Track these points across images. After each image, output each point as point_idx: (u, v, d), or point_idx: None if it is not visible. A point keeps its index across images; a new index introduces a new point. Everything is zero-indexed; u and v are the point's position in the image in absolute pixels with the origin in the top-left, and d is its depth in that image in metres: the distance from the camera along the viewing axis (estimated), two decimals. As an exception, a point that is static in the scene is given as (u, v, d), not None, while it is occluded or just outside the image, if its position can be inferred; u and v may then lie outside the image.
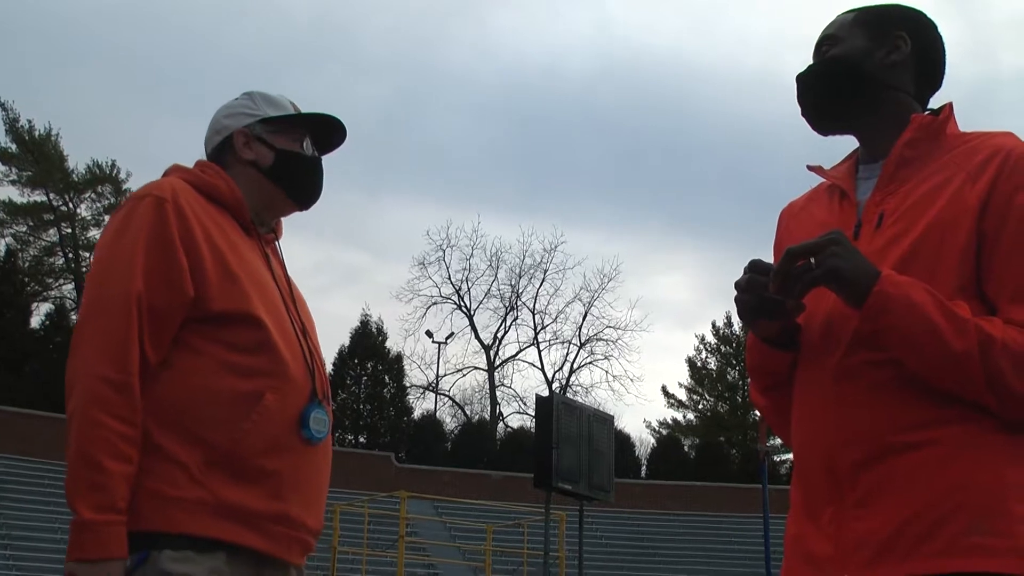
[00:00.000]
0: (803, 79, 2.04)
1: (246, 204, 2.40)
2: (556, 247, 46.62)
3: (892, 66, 1.98)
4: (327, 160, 2.61)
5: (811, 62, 2.06)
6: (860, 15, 2.04)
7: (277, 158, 2.46)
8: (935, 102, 2.06)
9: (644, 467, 40.75)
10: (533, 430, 19.76)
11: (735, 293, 1.87)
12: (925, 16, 2.05)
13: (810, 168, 2.07)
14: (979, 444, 1.70)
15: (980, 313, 1.74)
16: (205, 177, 2.38)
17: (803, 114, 2.05)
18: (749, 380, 2.11)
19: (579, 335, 44.53)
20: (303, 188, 2.53)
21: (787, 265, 1.77)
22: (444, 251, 44.46)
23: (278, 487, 2.18)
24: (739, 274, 1.83)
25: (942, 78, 2.06)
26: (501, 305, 44.81)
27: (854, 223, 1.90)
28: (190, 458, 2.13)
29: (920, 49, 2.01)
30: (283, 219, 2.60)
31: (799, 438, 1.89)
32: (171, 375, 2.18)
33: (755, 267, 1.84)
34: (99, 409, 2.05)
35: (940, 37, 2.05)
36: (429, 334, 43.22)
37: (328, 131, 2.58)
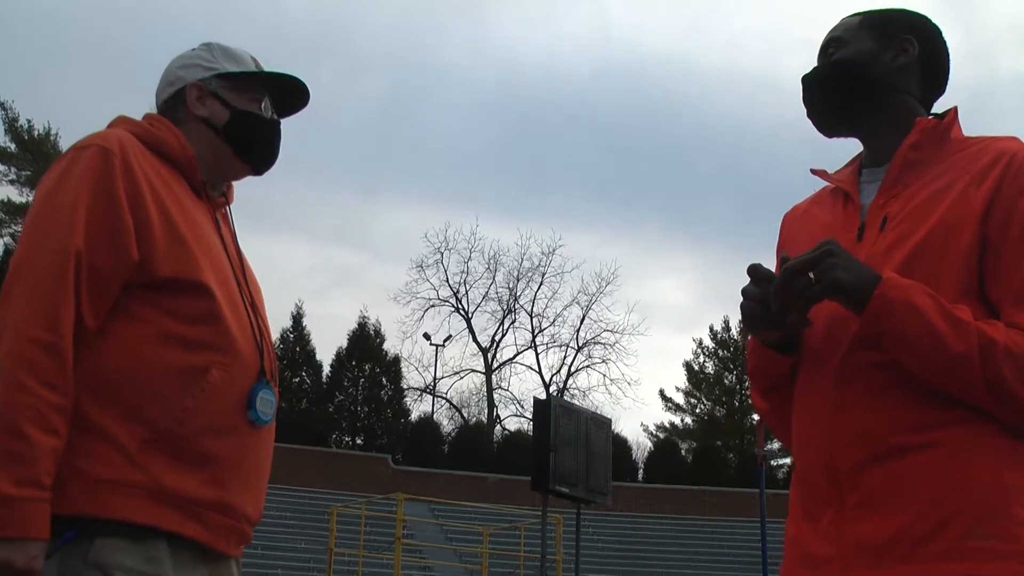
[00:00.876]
0: (809, 81, 2.04)
1: (197, 163, 2.23)
2: (554, 250, 46.55)
3: (899, 69, 1.99)
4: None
5: (815, 64, 2.06)
6: (867, 18, 2.05)
7: (232, 117, 2.30)
8: (939, 107, 2.06)
9: (641, 471, 40.72)
10: (530, 433, 19.77)
11: (742, 300, 1.88)
12: (931, 21, 2.06)
13: (813, 172, 2.07)
14: (980, 447, 1.70)
15: (983, 316, 1.74)
16: (154, 131, 2.21)
17: (809, 116, 2.05)
18: (750, 383, 2.10)
19: (577, 338, 44.65)
20: (258, 151, 2.36)
21: (787, 282, 1.77)
22: (442, 253, 44.74)
23: (219, 472, 2.03)
24: (737, 278, 1.84)
25: (946, 83, 2.07)
26: (499, 308, 44.93)
27: (858, 225, 1.91)
28: (128, 437, 1.95)
29: (926, 54, 2.02)
30: (235, 184, 2.43)
31: (799, 440, 1.89)
32: (110, 345, 2.00)
33: (756, 275, 1.84)
34: (26, 373, 1.86)
35: (945, 42, 2.06)
36: (427, 336, 43.27)
37: (290, 93, 2.41)
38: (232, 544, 2.10)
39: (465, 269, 45.09)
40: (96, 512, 1.91)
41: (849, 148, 2.10)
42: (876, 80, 1.98)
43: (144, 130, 2.20)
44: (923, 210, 1.82)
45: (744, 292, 1.86)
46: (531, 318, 45.08)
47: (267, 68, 2.40)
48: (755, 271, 1.84)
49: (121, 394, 1.98)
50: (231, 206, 2.41)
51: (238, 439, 2.08)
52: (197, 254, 2.08)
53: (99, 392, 1.97)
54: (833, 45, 2.04)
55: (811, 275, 1.76)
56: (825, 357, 1.83)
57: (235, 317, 2.12)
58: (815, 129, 2.07)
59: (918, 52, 2.01)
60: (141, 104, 2.40)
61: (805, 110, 2.05)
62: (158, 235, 2.04)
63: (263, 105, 2.35)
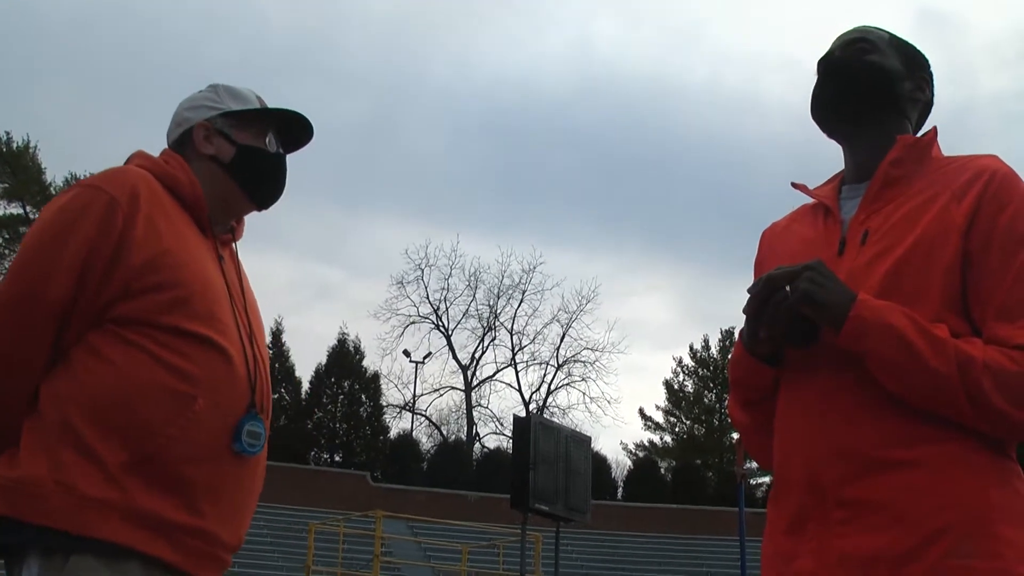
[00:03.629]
0: (837, 68, 2.03)
1: (205, 202, 2.30)
2: (535, 268, 46.49)
3: (914, 102, 2.03)
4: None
5: (835, 53, 2.05)
6: (895, 40, 2.07)
7: (238, 153, 2.37)
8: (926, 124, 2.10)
9: (621, 489, 40.72)
10: (510, 451, 19.73)
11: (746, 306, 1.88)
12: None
13: (794, 186, 2.07)
14: (965, 463, 1.71)
15: (965, 331, 1.75)
16: (168, 168, 2.29)
17: (819, 102, 2.04)
18: (730, 395, 2.09)
19: (557, 356, 44.59)
20: (262, 186, 2.42)
21: (765, 292, 1.78)
22: (423, 270, 44.48)
23: (197, 499, 2.08)
24: (717, 297, 1.85)
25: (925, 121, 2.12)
26: (479, 325, 44.83)
27: (838, 240, 1.91)
28: (111, 458, 2.01)
29: (931, 99, 2.08)
30: (246, 219, 2.49)
31: (781, 454, 1.88)
32: (106, 368, 2.07)
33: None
34: None
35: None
36: (407, 353, 43.12)
37: (294, 128, 2.48)
38: (206, 569, 2.12)
39: (446, 286, 44.94)
40: (73, 529, 1.95)
41: (829, 167, 2.11)
42: (895, 100, 2.00)
43: (159, 167, 2.29)
44: (905, 224, 1.83)
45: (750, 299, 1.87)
46: (511, 336, 45.07)
47: (271, 104, 2.46)
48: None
49: (110, 417, 2.04)
50: (238, 241, 2.48)
51: (220, 468, 2.13)
52: (192, 289, 2.15)
53: (90, 412, 2.04)
54: (863, 43, 2.03)
55: (788, 288, 1.76)
56: (811, 372, 1.83)
57: (230, 349, 2.18)
58: (816, 118, 2.05)
59: (930, 92, 2.06)
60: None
61: (816, 93, 2.04)
62: (156, 272, 2.12)
63: (268, 140, 2.42)
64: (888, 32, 2.08)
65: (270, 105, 2.46)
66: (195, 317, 2.14)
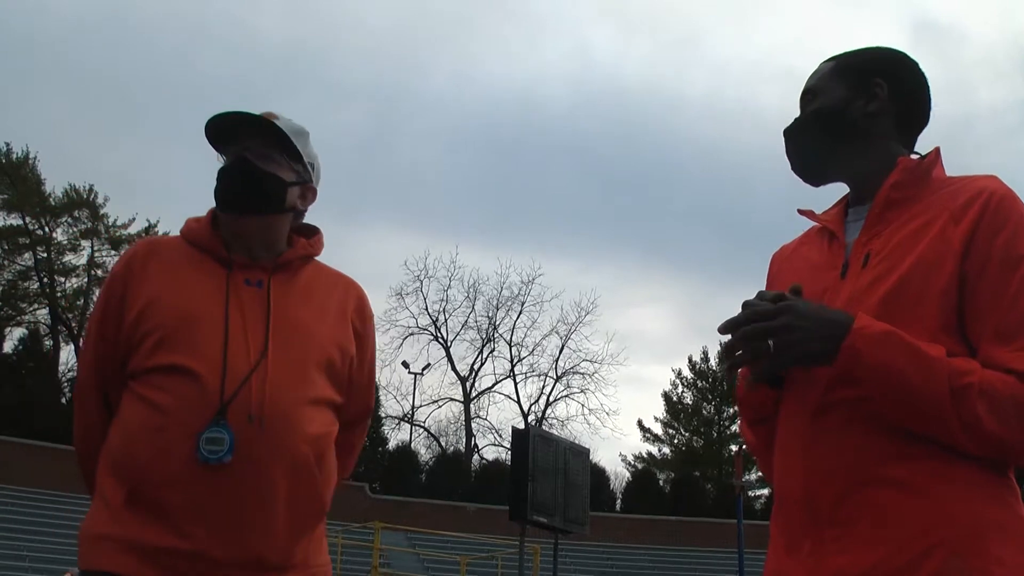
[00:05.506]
0: (790, 133, 2.06)
1: (215, 240, 2.43)
2: (534, 279, 46.50)
3: (872, 116, 2.00)
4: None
5: (796, 117, 2.08)
6: (839, 64, 2.06)
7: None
8: (922, 141, 2.08)
9: (619, 501, 40.64)
10: (508, 462, 19.69)
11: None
12: (904, 56, 2.07)
13: (801, 212, 2.09)
14: (959, 481, 1.71)
15: (962, 353, 1.75)
16: (190, 223, 2.49)
17: (793, 168, 2.08)
18: (739, 413, 2.11)
19: (555, 368, 44.49)
20: (222, 196, 2.45)
21: (740, 326, 1.79)
22: (422, 281, 44.41)
23: (181, 521, 2.17)
24: (716, 309, 1.86)
25: (927, 115, 2.07)
26: (478, 337, 44.71)
27: (842, 263, 1.92)
28: (114, 497, 2.22)
29: (898, 92, 2.02)
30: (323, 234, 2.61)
31: (779, 473, 1.89)
32: (117, 422, 2.33)
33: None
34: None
35: (921, 74, 2.06)
36: (405, 365, 43.08)
37: (246, 127, 2.46)
38: None
39: (444, 297, 44.82)
40: (86, 566, 2.21)
41: (834, 187, 2.12)
42: (851, 127, 2.00)
43: (185, 226, 2.51)
44: (903, 247, 1.84)
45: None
46: (510, 347, 44.94)
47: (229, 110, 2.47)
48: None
49: (115, 462, 2.27)
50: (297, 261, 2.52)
51: (196, 485, 2.19)
52: (171, 326, 2.30)
53: (107, 464, 2.29)
54: (808, 96, 2.06)
55: (770, 343, 1.77)
56: (805, 390, 1.83)
57: (195, 369, 2.26)
58: (802, 180, 2.08)
59: (888, 93, 2.01)
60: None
61: (789, 163, 2.08)
62: (144, 322, 2.33)
63: (228, 155, 2.48)
64: (835, 57, 2.09)
65: (222, 120, 2.48)
66: (171, 350, 2.27)
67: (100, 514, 2.22)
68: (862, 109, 2.00)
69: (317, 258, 2.57)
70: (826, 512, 1.75)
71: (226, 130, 2.46)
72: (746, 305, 1.82)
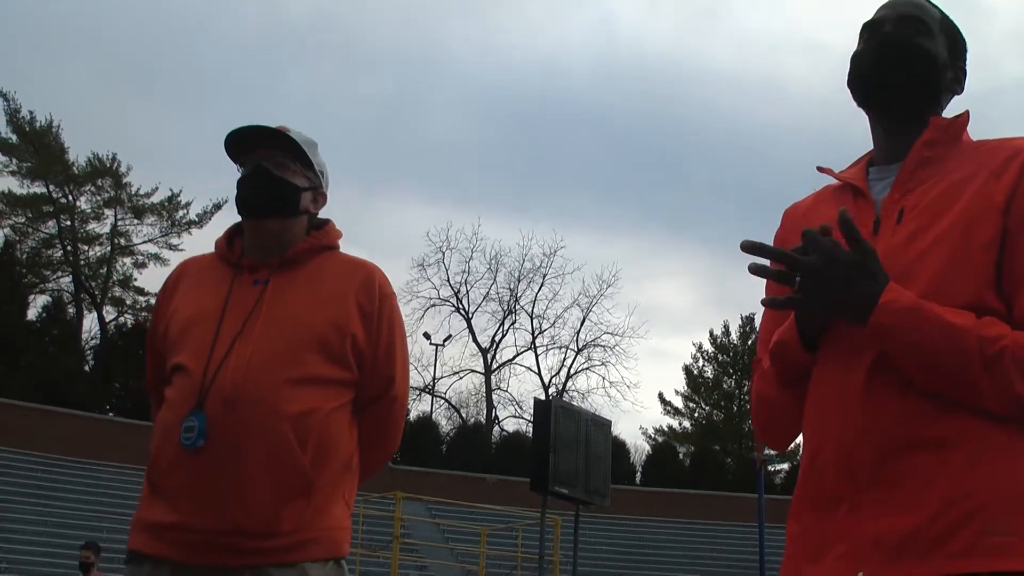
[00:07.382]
0: (890, 47, 1.98)
1: (227, 247, 2.72)
2: (555, 252, 46.42)
3: (950, 92, 2.02)
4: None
5: (884, 16, 2.01)
6: (946, 22, 2.03)
7: None
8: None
9: (639, 474, 40.72)
10: (529, 434, 19.72)
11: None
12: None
13: (820, 169, 2.05)
14: (1001, 443, 1.68)
15: (1002, 309, 1.73)
16: (217, 241, 2.77)
17: (865, 74, 1.99)
18: (771, 370, 2.01)
19: (577, 340, 44.57)
20: (243, 202, 2.69)
21: (765, 250, 1.76)
22: (443, 253, 44.52)
23: (175, 501, 2.44)
24: (738, 282, 1.82)
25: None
26: (499, 309, 44.87)
27: (872, 220, 1.89)
28: (145, 486, 2.55)
29: (962, 91, 2.05)
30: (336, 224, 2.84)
31: (812, 432, 1.85)
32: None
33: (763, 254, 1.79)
34: None
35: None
36: (427, 336, 43.24)
37: (261, 139, 2.68)
38: (207, 555, 2.40)
39: (466, 269, 44.99)
40: (128, 547, 2.52)
41: (852, 151, 2.07)
42: (935, 87, 1.98)
43: (216, 240, 2.78)
44: (941, 202, 1.81)
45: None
46: (531, 319, 45.08)
47: (276, 116, 2.77)
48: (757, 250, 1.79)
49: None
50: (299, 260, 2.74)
51: (183, 469, 2.45)
52: (178, 329, 2.61)
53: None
54: (920, 26, 1.99)
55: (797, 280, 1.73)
56: (855, 351, 1.79)
57: (186, 364, 2.53)
58: (854, 86, 2.01)
59: (961, 90, 2.04)
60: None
61: (862, 63, 2.00)
62: (168, 332, 2.65)
63: (245, 166, 2.71)
64: (940, 10, 2.04)
65: (239, 133, 2.69)
66: (177, 352, 2.58)
67: (140, 503, 2.55)
68: (948, 82, 2.00)
69: (340, 247, 2.81)
70: (865, 476, 1.71)
71: (243, 143, 2.68)
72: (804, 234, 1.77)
